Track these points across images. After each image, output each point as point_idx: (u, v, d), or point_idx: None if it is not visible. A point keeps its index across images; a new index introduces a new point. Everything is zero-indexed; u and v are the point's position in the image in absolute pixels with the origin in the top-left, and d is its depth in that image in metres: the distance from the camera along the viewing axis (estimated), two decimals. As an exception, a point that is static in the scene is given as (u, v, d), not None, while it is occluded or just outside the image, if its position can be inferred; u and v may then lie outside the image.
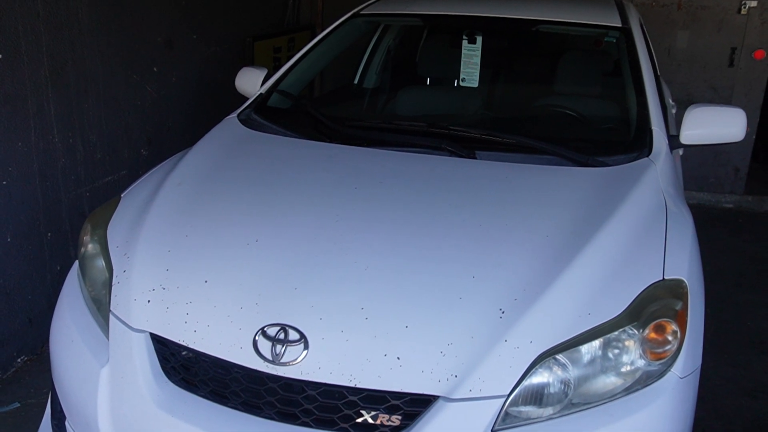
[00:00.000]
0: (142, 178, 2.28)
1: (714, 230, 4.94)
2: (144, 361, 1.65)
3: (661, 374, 1.59)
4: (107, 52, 3.25)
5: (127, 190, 2.20)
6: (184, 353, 1.65)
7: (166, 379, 1.64)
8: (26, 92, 2.77)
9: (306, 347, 1.54)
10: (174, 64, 3.86)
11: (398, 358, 1.50)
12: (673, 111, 3.62)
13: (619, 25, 2.83)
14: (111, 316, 1.74)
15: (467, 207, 1.92)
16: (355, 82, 3.78)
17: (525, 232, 1.81)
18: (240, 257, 1.75)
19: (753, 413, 2.84)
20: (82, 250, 1.98)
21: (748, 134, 5.17)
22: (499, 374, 1.48)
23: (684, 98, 5.23)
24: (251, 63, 4.68)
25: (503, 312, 1.56)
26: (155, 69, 3.69)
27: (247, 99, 2.79)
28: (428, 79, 3.27)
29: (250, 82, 2.85)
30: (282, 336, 1.55)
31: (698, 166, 5.38)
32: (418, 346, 1.52)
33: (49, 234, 3.00)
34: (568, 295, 1.61)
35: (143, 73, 3.58)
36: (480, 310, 1.57)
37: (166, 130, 3.85)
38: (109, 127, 3.33)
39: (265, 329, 1.57)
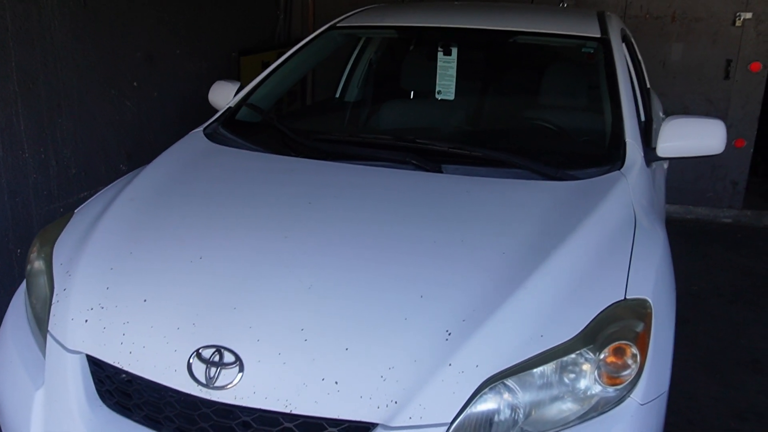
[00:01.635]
0: (98, 193, 2.22)
1: (711, 245, 4.83)
2: (78, 384, 1.58)
3: (619, 400, 1.49)
4: (83, 66, 3.21)
5: (81, 206, 2.14)
6: (123, 376, 1.58)
7: (100, 402, 1.57)
8: (-7, 107, 2.73)
9: (241, 370, 1.46)
10: (156, 79, 3.82)
11: (336, 383, 1.42)
12: (664, 124, 3.53)
13: (598, 36, 2.76)
14: (48, 336, 1.67)
15: (424, 222, 1.84)
16: (337, 95, 3.73)
17: (481, 249, 1.73)
18: (182, 275, 1.68)
19: (741, 437, 2.72)
20: (29, 267, 1.92)
21: (746, 147, 5.12)
22: (442, 400, 1.40)
23: (680, 111, 5.14)
24: (237, 78, 4.63)
25: (450, 334, 1.48)
26: (135, 84, 3.65)
27: (219, 113, 2.73)
28: (406, 92, 3.20)
29: (222, 95, 2.80)
30: (217, 358, 1.48)
31: (696, 179, 5.28)
32: (357, 370, 1.44)
33: (18, 250, 2.94)
34: (519, 316, 1.53)
35: (122, 89, 3.54)
36: (425, 331, 1.49)
37: (147, 145, 3.80)
38: (85, 142, 3.29)
39: (200, 351, 1.50)
